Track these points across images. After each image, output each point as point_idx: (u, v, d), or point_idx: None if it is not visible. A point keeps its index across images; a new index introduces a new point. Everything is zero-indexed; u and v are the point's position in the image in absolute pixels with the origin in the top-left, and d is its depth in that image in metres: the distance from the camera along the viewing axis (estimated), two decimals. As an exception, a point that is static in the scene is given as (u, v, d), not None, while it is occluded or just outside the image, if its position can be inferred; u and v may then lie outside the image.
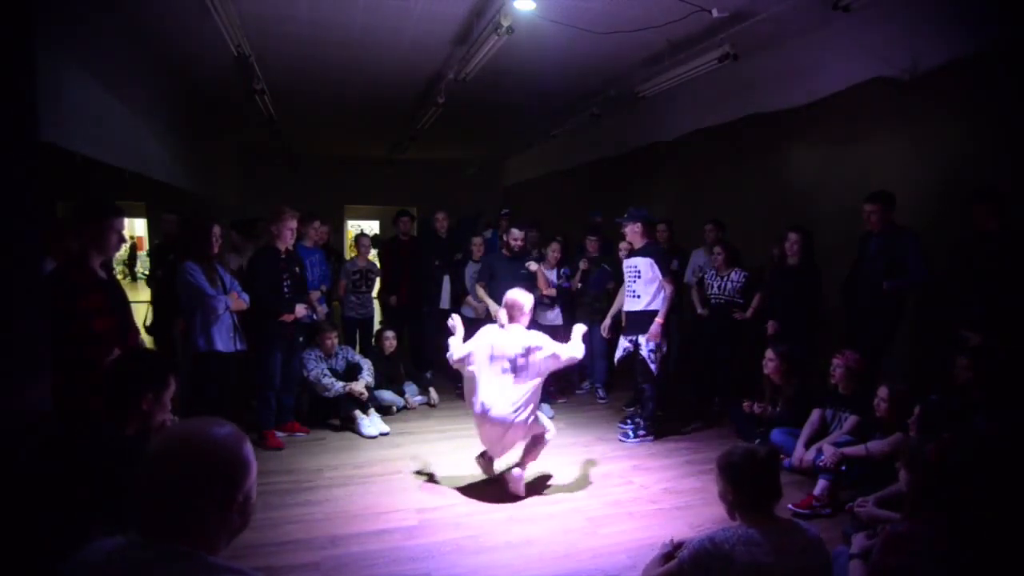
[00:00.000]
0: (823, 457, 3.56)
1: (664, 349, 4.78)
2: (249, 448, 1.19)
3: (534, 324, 4.20)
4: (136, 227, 14.84)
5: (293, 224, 4.61)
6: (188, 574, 1.06)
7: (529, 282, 5.45)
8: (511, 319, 3.84)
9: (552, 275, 5.98)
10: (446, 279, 6.40)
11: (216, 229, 4.25)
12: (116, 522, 1.53)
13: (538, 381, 3.73)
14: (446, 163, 12.67)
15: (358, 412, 4.96)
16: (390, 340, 5.71)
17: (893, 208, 4.12)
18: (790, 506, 3.48)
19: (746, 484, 1.96)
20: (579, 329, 3.98)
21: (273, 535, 3.23)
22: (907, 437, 3.18)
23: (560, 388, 6.07)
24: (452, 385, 6.13)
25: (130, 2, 4.39)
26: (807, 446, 3.93)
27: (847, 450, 3.53)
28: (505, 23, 4.21)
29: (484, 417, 3.68)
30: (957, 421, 3.04)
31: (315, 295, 5.20)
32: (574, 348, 3.85)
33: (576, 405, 5.84)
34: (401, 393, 5.65)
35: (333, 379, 5.01)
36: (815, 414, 4.06)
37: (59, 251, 3.27)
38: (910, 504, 2.11)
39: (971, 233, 3.77)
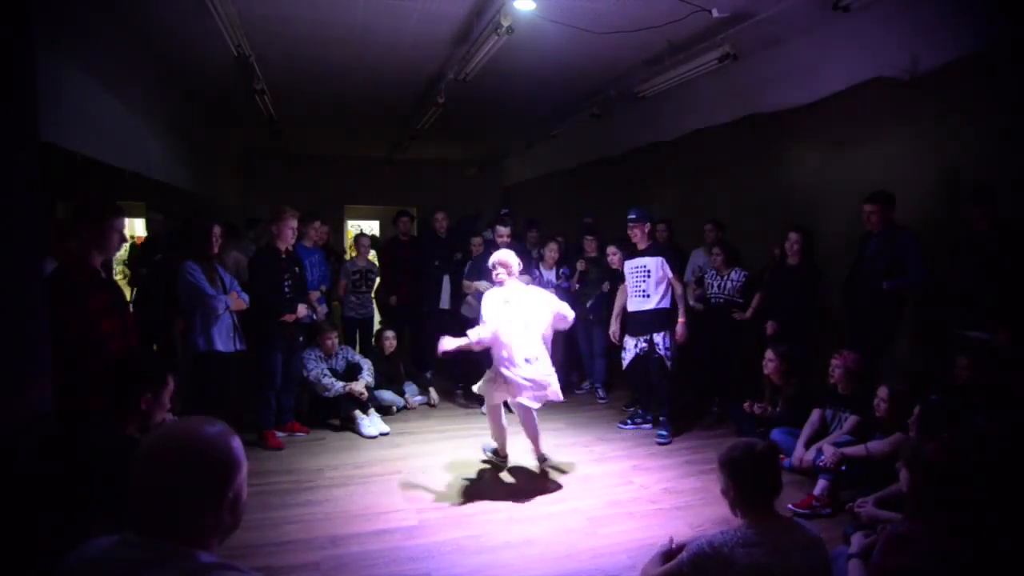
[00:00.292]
0: (823, 457, 3.56)
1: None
2: (239, 446, 1.19)
3: None
4: (136, 227, 14.83)
5: (294, 224, 4.61)
6: (182, 573, 1.06)
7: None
8: (509, 275, 3.92)
9: (550, 275, 5.98)
10: (446, 279, 6.40)
11: (216, 229, 4.25)
12: (116, 522, 1.53)
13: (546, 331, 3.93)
14: (446, 163, 12.66)
15: (358, 412, 4.96)
16: (390, 340, 5.71)
17: (893, 208, 4.12)
18: (790, 506, 3.48)
19: (746, 479, 1.96)
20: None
21: (273, 535, 3.23)
22: (907, 437, 3.18)
23: (560, 388, 6.07)
24: (452, 385, 6.14)
25: (130, 2, 4.39)
26: (807, 446, 3.93)
27: (847, 450, 3.53)
28: (505, 23, 4.21)
29: (528, 368, 3.76)
30: (957, 421, 3.04)
31: (315, 295, 5.20)
32: (567, 308, 4.03)
33: (576, 405, 5.84)
34: (401, 393, 5.65)
35: (333, 379, 5.02)
36: (815, 414, 4.06)
37: (59, 251, 3.27)
38: (910, 504, 2.11)
39: (965, 233, 3.79)
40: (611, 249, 5.59)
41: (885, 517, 2.86)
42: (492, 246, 5.78)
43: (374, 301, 6.50)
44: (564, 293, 5.98)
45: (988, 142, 4.08)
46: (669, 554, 2.11)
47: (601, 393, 6.00)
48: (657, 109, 6.70)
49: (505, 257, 3.97)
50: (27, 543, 1.77)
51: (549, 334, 4.02)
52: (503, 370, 3.76)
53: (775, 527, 1.94)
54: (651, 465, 4.28)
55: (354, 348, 5.82)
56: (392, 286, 6.41)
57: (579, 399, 6.05)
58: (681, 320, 4.74)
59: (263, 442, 4.58)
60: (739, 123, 5.75)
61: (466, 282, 5.68)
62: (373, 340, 5.90)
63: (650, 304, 4.73)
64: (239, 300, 4.25)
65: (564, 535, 3.27)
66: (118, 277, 5.76)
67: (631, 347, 4.88)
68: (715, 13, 4.30)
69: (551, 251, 6.01)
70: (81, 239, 2.87)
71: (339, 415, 5.04)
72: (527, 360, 3.76)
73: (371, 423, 4.93)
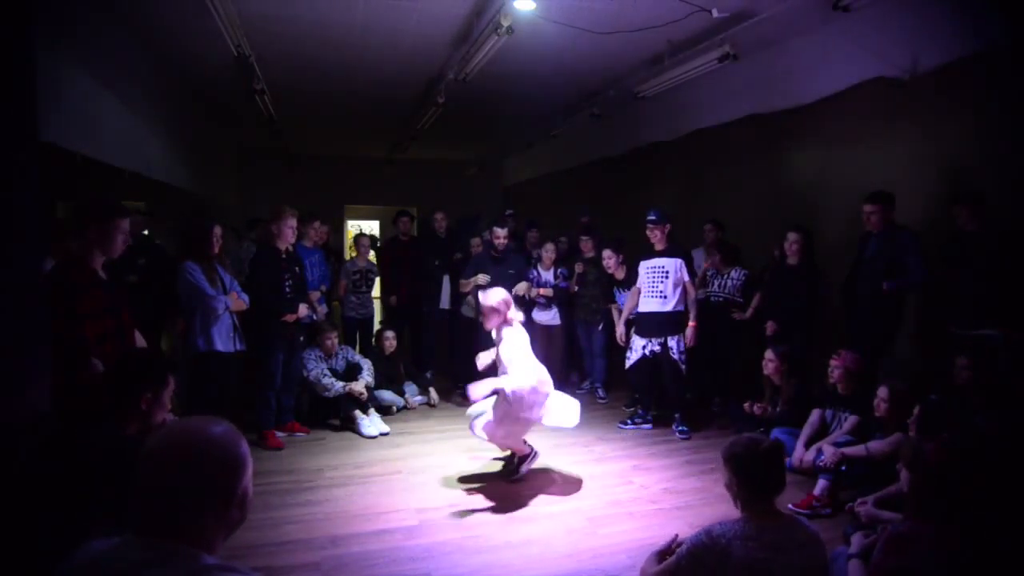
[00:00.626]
0: (823, 457, 3.56)
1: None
2: (245, 444, 1.20)
3: (530, 325, 4.21)
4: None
5: (293, 223, 4.61)
6: (184, 573, 1.06)
7: (513, 282, 5.45)
8: (488, 323, 3.85)
9: (548, 275, 5.97)
10: (446, 279, 6.41)
11: (217, 229, 4.25)
12: (116, 522, 1.53)
13: None
14: (446, 163, 12.67)
15: (358, 412, 4.96)
16: (390, 340, 5.71)
17: (893, 208, 4.12)
18: (790, 506, 3.47)
19: (749, 473, 1.96)
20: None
21: (273, 535, 3.23)
22: (907, 437, 3.18)
23: (560, 388, 6.07)
24: (452, 385, 6.14)
25: (130, 2, 4.39)
26: (807, 446, 3.93)
27: (847, 450, 3.53)
28: (505, 23, 4.21)
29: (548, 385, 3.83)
30: (957, 421, 3.04)
31: (315, 295, 5.20)
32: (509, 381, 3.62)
33: (576, 405, 5.83)
34: (401, 393, 5.65)
35: (333, 379, 5.02)
36: (815, 414, 4.06)
37: (59, 251, 3.26)
38: (910, 504, 2.11)
39: (954, 233, 3.80)
40: (606, 253, 5.55)
41: (885, 517, 2.87)
42: (489, 246, 5.78)
43: (374, 301, 6.50)
44: (563, 293, 5.99)
45: (988, 142, 4.08)
46: (663, 552, 2.11)
47: (601, 393, 6.00)
48: (657, 109, 6.70)
49: (500, 301, 3.78)
50: (27, 543, 1.77)
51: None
52: (536, 411, 3.75)
53: (775, 524, 1.94)
54: (651, 465, 4.28)
55: (354, 348, 5.82)
56: (392, 286, 6.41)
57: (579, 399, 6.03)
58: (692, 324, 4.76)
59: (263, 442, 4.57)
60: (739, 123, 5.76)
61: (463, 281, 5.67)
62: (373, 340, 5.90)
63: (668, 306, 4.70)
64: (239, 300, 4.25)
65: (564, 535, 3.27)
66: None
67: (639, 347, 4.84)
68: (715, 13, 4.31)
69: (548, 252, 6.00)
70: (84, 239, 2.87)
71: (339, 415, 5.04)
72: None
73: (371, 423, 4.93)
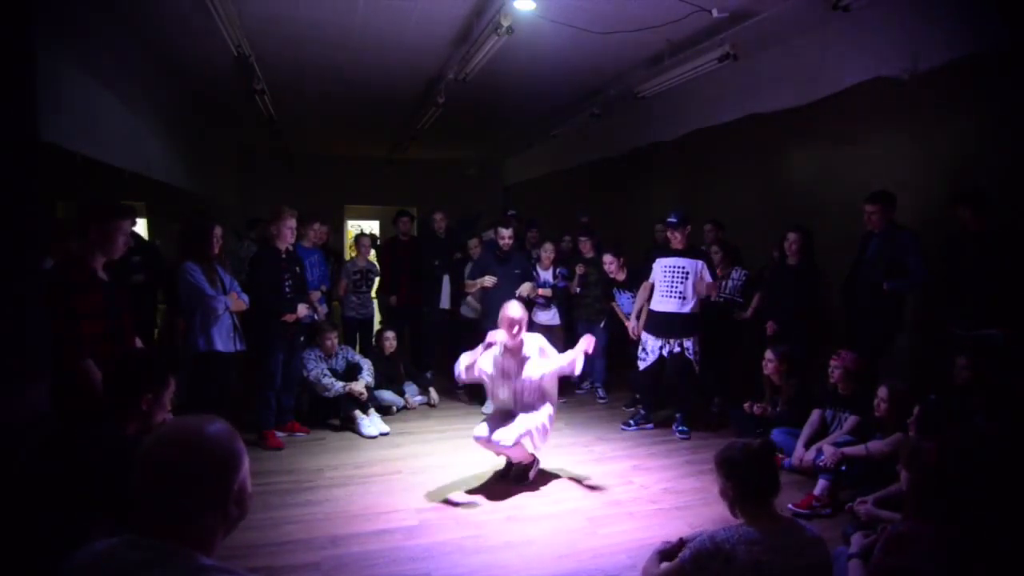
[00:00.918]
0: (823, 457, 3.56)
1: None
2: (239, 441, 1.21)
3: (531, 325, 4.21)
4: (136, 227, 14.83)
5: (292, 223, 4.61)
6: (182, 573, 1.06)
7: (519, 281, 5.45)
8: (521, 331, 3.86)
9: (547, 275, 5.97)
10: (446, 279, 6.40)
11: (217, 230, 4.25)
12: (116, 522, 1.54)
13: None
14: (446, 163, 12.66)
15: (358, 412, 4.96)
16: (390, 340, 5.71)
17: (894, 208, 4.12)
18: (790, 506, 3.48)
19: (743, 478, 1.96)
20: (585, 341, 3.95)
21: (273, 535, 3.23)
22: (907, 437, 3.18)
23: (560, 388, 6.07)
24: (452, 385, 6.14)
25: (130, 2, 4.39)
26: (807, 446, 3.93)
27: (847, 450, 3.53)
28: (505, 23, 4.21)
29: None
30: (957, 421, 3.04)
31: (315, 295, 5.20)
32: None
33: (576, 405, 5.84)
34: (401, 393, 5.65)
35: (333, 379, 5.02)
36: (815, 414, 4.06)
37: (59, 251, 3.27)
38: (910, 504, 2.11)
39: (955, 233, 3.78)
40: (607, 258, 5.53)
41: (885, 517, 2.87)
42: (492, 246, 5.78)
43: (375, 301, 6.50)
44: (562, 293, 5.99)
45: (988, 142, 4.09)
46: (666, 553, 2.11)
47: (601, 393, 6.00)
48: (657, 109, 6.70)
49: (504, 312, 3.84)
50: (27, 543, 1.77)
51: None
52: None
53: (777, 526, 1.94)
54: (651, 465, 4.28)
55: (354, 348, 5.82)
56: (392, 286, 6.41)
57: (579, 399, 6.04)
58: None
59: (263, 442, 4.58)
60: (739, 123, 5.74)
61: (468, 282, 5.67)
62: (373, 340, 5.90)
63: (687, 308, 4.65)
64: (239, 300, 4.25)
65: (564, 535, 3.27)
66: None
67: (655, 348, 4.74)
68: (715, 13, 4.31)
69: (547, 252, 6.00)
70: (86, 239, 2.88)
71: (339, 415, 5.04)
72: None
73: (371, 423, 4.93)
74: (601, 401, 5.92)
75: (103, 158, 4.51)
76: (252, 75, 5.57)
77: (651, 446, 4.67)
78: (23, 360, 2.09)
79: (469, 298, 5.95)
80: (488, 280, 5.39)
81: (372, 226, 14.53)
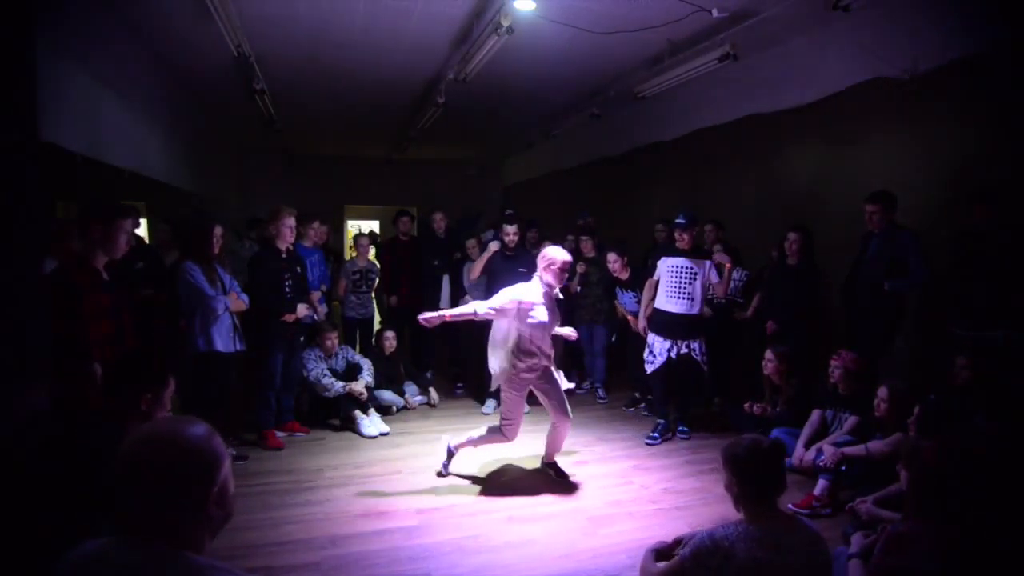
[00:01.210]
0: (823, 457, 3.56)
1: None
2: (219, 441, 1.20)
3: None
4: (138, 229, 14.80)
5: (291, 223, 4.61)
6: (175, 575, 1.06)
7: (524, 279, 5.43)
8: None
9: None
10: (445, 279, 6.40)
11: (217, 230, 4.25)
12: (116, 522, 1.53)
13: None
14: (446, 163, 12.66)
15: (358, 412, 4.96)
16: (390, 340, 5.71)
17: (894, 208, 4.12)
18: (790, 506, 3.48)
19: (750, 475, 1.96)
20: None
21: (273, 535, 3.23)
22: (907, 437, 3.19)
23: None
24: (452, 385, 6.14)
25: (130, 2, 4.39)
26: (807, 446, 3.93)
27: (847, 450, 3.53)
28: (505, 23, 4.21)
29: None
30: (957, 421, 3.04)
31: (316, 295, 5.19)
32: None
33: (576, 405, 5.79)
34: (401, 393, 5.65)
35: (333, 379, 5.02)
36: (815, 414, 4.06)
37: (59, 251, 3.27)
38: (910, 504, 2.11)
39: (968, 233, 3.76)
40: (611, 257, 5.48)
41: (885, 517, 2.87)
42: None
43: (374, 301, 6.50)
44: (561, 293, 5.97)
45: (988, 142, 4.09)
46: (661, 552, 2.10)
47: (601, 393, 5.99)
48: (657, 109, 6.70)
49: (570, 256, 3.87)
50: (27, 543, 1.77)
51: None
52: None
53: (777, 524, 1.93)
54: (651, 465, 4.28)
55: (354, 348, 5.82)
56: (392, 286, 6.40)
57: (579, 399, 6.03)
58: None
59: (263, 442, 4.58)
60: (739, 123, 5.75)
61: (475, 265, 5.57)
62: (373, 340, 5.90)
63: (695, 309, 4.57)
64: (239, 301, 4.25)
65: (564, 535, 3.27)
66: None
67: (664, 350, 4.63)
68: (715, 13, 4.31)
69: None
70: (87, 239, 2.88)
71: (339, 415, 5.04)
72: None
73: (371, 423, 4.93)
74: (601, 401, 5.92)
75: (103, 158, 4.51)
76: (252, 75, 5.57)
77: (652, 447, 4.66)
78: (23, 360, 2.09)
79: (468, 297, 5.94)
80: (494, 245, 5.37)
81: (372, 226, 14.53)
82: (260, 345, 4.54)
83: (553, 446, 4.09)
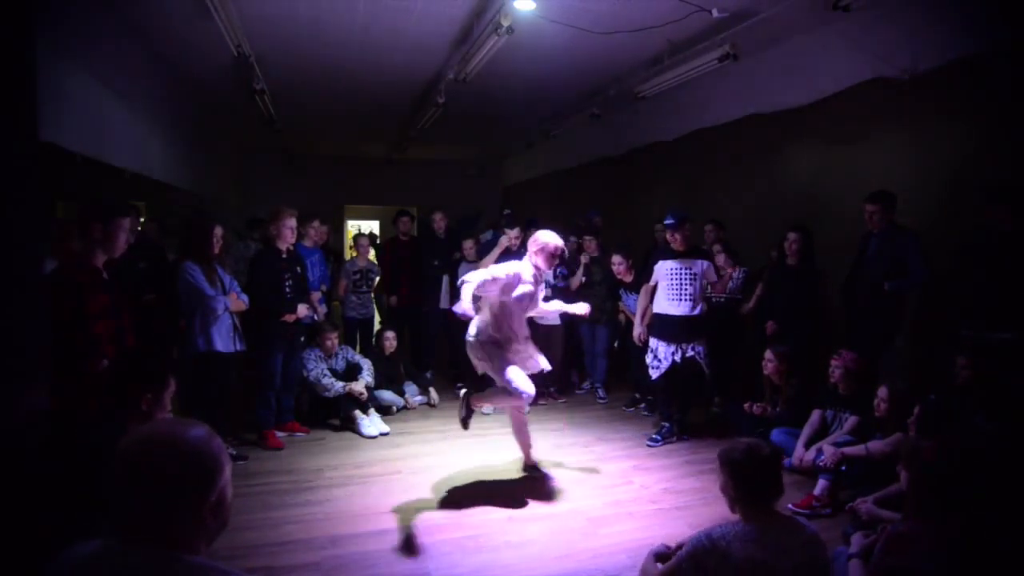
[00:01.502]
0: (823, 457, 3.56)
1: None
2: (221, 448, 1.17)
3: (531, 325, 4.17)
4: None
5: (292, 223, 4.61)
6: None
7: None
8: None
9: (548, 275, 5.95)
10: (445, 279, 6.40)
11: (217, 230, 4.25)
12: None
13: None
14: (446, 163, 12.66)
15: (358, 412, 4.96)
16: (390, 340, 5.71)
17: (894, 208, 4.12)
18: (790, 506, 3.48)
19: (747, 479, 1.96)
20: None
21: (273, 535, 3.23)
22: (907, 437, 3.19)
23: (560, 388, 6.08)
24: (452, 385, 6.13)
25: (130, 2, 4.39)
26: (807, 446, 3.93)
27: (847, 450, 3.53)
28: (505, 23, 4.21)
29: None
30: (957, 421, 3.04)
31: (316, 296, 5.19)
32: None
33: (576, 405, 5.84)
34: (401, 393, 5.65)
35: (333, 379, 5.02)
36: (815, 414, 4.06)
37: (60, 251, 3.27)
38: (910, 504, 2.11)
39: (987, 233, 3.67)
40: (617, 259, 5.45)
41: (885, 517, 2.87)
42: (489, 247, 5.77)
43: (374, 301, 6.50)
44: (561, 293, 5.97)
45: (987, 142, 4.08)
46: (662, 555, 2.11)
47: (601, 393, 5.99)
48: (657, 109, 6.70)
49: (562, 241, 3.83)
50: (27, 543, 1.77)
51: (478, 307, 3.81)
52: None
53: (775, 525, 1.93)
54: (651, 465, 4.28)
55: (354, 348, 5.82)
56: (392, 286, 6.41)
57: (579, 399, 6.05)
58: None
59: (263, 442, 4.58)
60: (739, 123, 5.75)
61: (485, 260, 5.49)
62: (373, 340, 5.90)
63: (696, 310, 4.50)
64: (238, 301, 4.25)
65: (564, 535, 3.27)
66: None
67: (667, 355, 4.54)
68: (715, 13, 4.31)
69: None
70: (88, 238, 2.88)
71: (339, 415, 5.04)
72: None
73: (371, 423, 4.93)
74: (601, 401, 5.92)
75: (103, 158, 4.51)
76: (252, 75, 5.57)
77: (652, 447, 4.66)
78: (23, 360, 2.09)
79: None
80: (512, 236, 5.38)
81: (372, 226, 14.54)
82: (260, 345, 4.54)
83: (524, 444, 4.06)
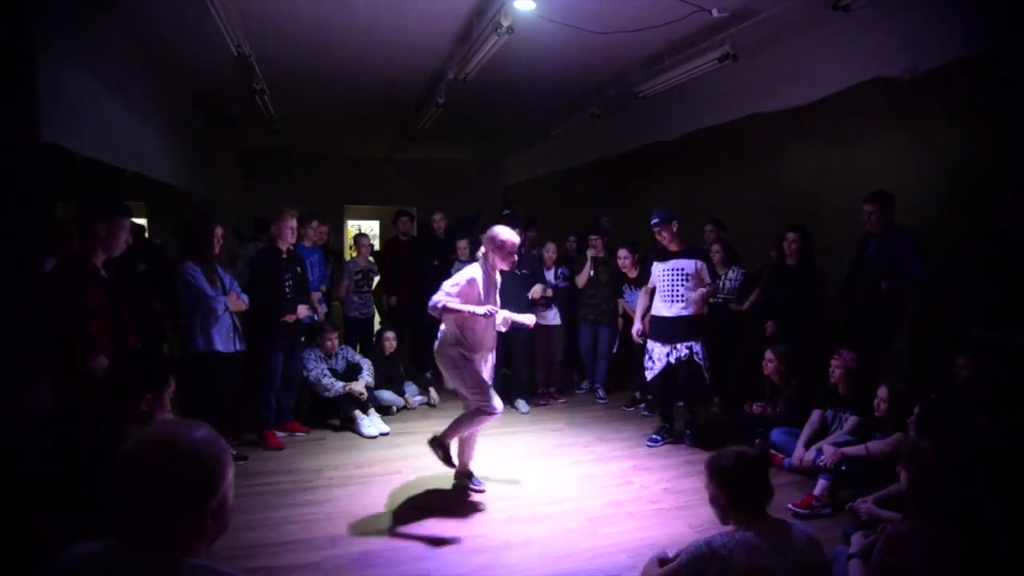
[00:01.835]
0: (823, 457, 3.56)
1: None
2: (224, 451, 1.16)
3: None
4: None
5: (293, 223, 4.61)
6: None
7: (528, 282, 5.45)
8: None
9: (549, 275, 5.96)
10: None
11: (218, 230, 4.25)
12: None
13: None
14: (446, 163, 12.66)
15: (358, 412, 4.96)
16: (390, 340, 5.71)
17: (893, 208, 4.12)
18: (790, 506, 3.48)
19: (737, 486, 1.96)
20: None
21: (273, 535, 3.23)
22: (907, 437, 3.19)
23: (560, 388, 6.08)
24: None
25: (130, 2, 4.39)
26: (807, 446, 3.93)
27: (847, 450, 3.53)
28: (505, 23, 4.21)
29: None
30: (957, 421, 3.04)
31: (316, 296, 5.19)
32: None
33: (576, 405, 5.84)
34: (401, 393, 5.65)
35: (333, 379, 5.02)
36: (815, 414, 4.06)
37: (60, 250, 3.27)
38: (910, 504, 2.11)
39: (1002, 233, 3.65)
40: (622, 253, 5.42)
41: (885, 517, 2.87)
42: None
43: (374, 301, 6.50)
44: (562, 294, 5.98)
45: (987, 142, 4.08)
46: (666, 561, 2.12)
47: (601, 393, 6.00)
48: (657, 109, 6.70)
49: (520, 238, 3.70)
50: (27, 543, 1.77)
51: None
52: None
53: (772, 529, 1.94)
54: (651, 465, 4.28)
55: (355, 348, 5.82)
56: (392, 286, 6.41)
57: (579, 399, 6.05)
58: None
59: (263, 442, 4.58)
60: (739, 123, 5.75)
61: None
62: (373, 340, 5.90)
63: (689, 310, 4.47)
64: (238, 301, 4.25)
65: (564, 535, 3.27)
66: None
67: (662, 356, 4.53)
68: (715, 13, 4.31)
69: (549, 252, 6.00)
70: (88, 237, 2.89)
71: (339, 415, 5.04)
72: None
73: (371, 423, 4.93)
74: (601, 401, 5.92)
75: (103, 158, 4.51)
76: (252, 75, 5.57)
77: (652, 447, 4.66)
78: (23, 360, 2.09)
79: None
80: (537, 290, 5.44)
81: (372, 226, 14.54)
82: (260, 345, 4.54)
83: (466, 450, 3.91)
